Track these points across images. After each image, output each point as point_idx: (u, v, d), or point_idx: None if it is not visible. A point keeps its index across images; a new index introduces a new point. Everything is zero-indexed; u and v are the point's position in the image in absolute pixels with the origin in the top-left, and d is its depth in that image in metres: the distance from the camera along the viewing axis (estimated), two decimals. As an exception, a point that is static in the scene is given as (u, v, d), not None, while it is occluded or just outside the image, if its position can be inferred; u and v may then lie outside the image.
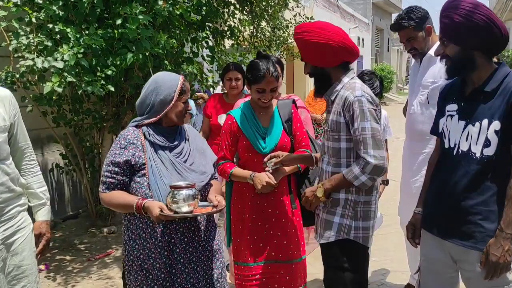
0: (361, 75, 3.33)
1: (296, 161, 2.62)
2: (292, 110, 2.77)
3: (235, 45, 5.77)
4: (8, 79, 3.91)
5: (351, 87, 2.18)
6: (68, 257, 4.40)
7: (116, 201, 2.08)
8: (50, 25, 3.76)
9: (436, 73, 2.90)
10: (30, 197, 2.20)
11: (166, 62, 4.59)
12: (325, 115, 4.29)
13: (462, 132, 1.94)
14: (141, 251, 2.10)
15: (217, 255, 2.25)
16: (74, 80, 3.67)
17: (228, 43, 5.85)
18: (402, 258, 3.83)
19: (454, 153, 1.97)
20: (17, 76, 3.79)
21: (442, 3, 1.94)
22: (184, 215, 1.95)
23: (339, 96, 2.21)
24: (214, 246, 2.24)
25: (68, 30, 3.70)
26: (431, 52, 2.91)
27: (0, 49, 3.98)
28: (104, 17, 4.17)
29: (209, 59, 5.19)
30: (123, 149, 2.08)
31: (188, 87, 2.18)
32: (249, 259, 2.67)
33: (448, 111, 2.05)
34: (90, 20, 4.00)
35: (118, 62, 4.00)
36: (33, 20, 3.75)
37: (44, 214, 2.24)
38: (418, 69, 3.05)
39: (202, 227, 2.18)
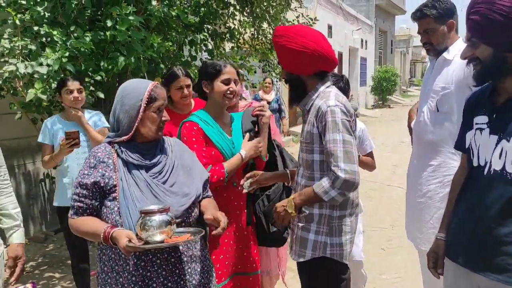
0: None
1: (272, 179, 2.49)
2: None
3: (235, 48, 5.52)
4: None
5: (325, 96, 2.08)
6: (57, 275, 4.14)
7: (83, 228, 1.79)
8: (36, 28, 3.51)
9: (448, 78, 2.61)
10: (3, 218, 2.12)
11: (162, 66, 4.36)
12: None
13: (495, 148, 1.67)
14: (113, 286, 1.82)
15: None
16: (60, 86, 3.42)
17: (228, 45, 5.60)
18: (415, 276, 3.54)
19: (485, 172, 1.70)
20: (0, 82, 3.53)
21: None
22: (155, 246, 1.65)
23: (314, 105, 2.10)
24: (202, 280, 1.92)
25: (55, 32, 3.45)
26: (446, 54, 2.62)
27: None
28: (96, 19, 3.93)
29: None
30: (92, 169, 1.80)
31: (161, 93, 1.88)
32: (222, 278, 2.44)
33: (476, 123, 1.78)
34: (79, 23, 3.75)
35: (110, 67, 3.75)
36: (17, 22, 3.50)
37: (19, 237, 2.16)
38: (431, 71, 2.76)
39: (185, 258, 1.87)
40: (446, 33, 2.61)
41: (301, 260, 2.18)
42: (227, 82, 2.40)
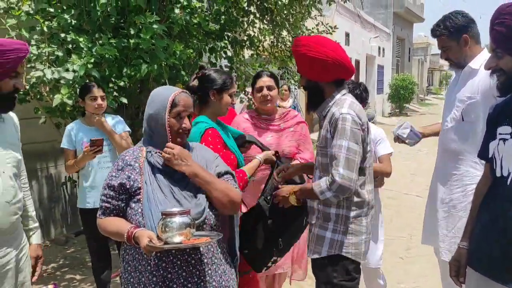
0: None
1: (299, 171, 2.60)
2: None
3: (255, 55, 5.57)
4: (21, 90, 3.77)
5: (340, 103, 2.18)
6: (78, 276, 4.21)
7: (110, 228, 1.87)
8: (62, 35, 3.61)
9: (474, 87, 2.62)
10: (24, 219, 2.18)
11: (183, 73, 4.43)
12: None
13: None
14: (136, 285, 1.87)
15: None
16: (85, 91, 3.50)
17: (247, 53, 5.66)
18: (434, 285, 3.53)
19: (508, 182, 1.71)
20: (27, 87, 3.63)
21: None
22: (173, 246, 1.71)
23: (330, 112, 2.21)
24: (223, 283, 1.94)
25: (81, 39, 3.54)
26: (472, 64, 2.64)
27: None
28: (120, 27, 4.02)
29: (228, 69, 4.99)
30: (120, 171, 1.88)
31: (183, 100, 1.91)
32: None
33: (500, 134, 1.78)
34: (104, 30, 3.84)
35: (133, 73, 3.84)
36: (45, 29, 3.60)
37: (38, 238, 2.25)
38: (456, 81, 2.78)
39: (206, 260, 1.90)
40: (462, 48, 2.64)
41: (316, 256, 2.27)
42: (232, 95, 2.55)
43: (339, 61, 2.19)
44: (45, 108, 4.14)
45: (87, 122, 3.46)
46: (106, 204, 1.88)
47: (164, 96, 1.91)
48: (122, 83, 3.74)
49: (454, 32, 2.62)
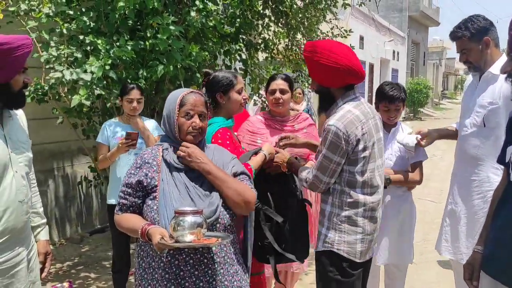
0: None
1: (304, 145, 2.78)
2: None
3: (269, 58, 5.60)
4: (40, 91, 3.86)
5: (336, 112, 2.28)
6: (92, 275, 4.27)
7: (125, 224, 1.93)
8: (81, 37, 3.67)
9: (495, 93, 2.60)
10: (32, 216, 2.17)
11: (198, 75, 4.47)
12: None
13: None
14: (149, 281, 1.91)
15: None
16: (103, 93, 3.57)
17: (262, 56, 5.68)
18: (447, 291, 3.50)
19: None
20: (46, 88, 3.70)
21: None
22: (183, 245, 1.74)
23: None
24: (235, 283, 1.97)
25: (99, 41, 3.60)
26: (493, 69, 2.62)
27: (32, 60, 3.91)
28: (137, 29, 4.08)
29: (242, 72, 5.02)
30: (138, 169, 1.94)
31: (191, 99, 1.96)
32: None
33: None
34: (121, 32, 3.90)
35: (149, 75, 3.89)
36: (64, 31, 3.68)
37: (46, 234, 2.25)
38: (475, 87, 2.75)
39: (218, 259, 1.93)
40: (483, 51, 2.62)
41: (313, 249, 2.46)
42: (241, 91, 2.54)
43: (350, 67, 2.24)
44: (63, 108, 4.22)
45: (124, 120, 3.55)
46: (124, 201, 1.94)
47: (174, 97, 1.99)
48: (141, 85, 3.80)
49: (476, 34, 2.60)
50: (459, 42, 2.67)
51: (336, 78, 2.27)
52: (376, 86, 19.41)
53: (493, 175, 2.57)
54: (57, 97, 4.07)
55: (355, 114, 2.25)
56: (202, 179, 1.96)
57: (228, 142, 2.41)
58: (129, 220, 1.91)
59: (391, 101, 2.92)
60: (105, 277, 4.21)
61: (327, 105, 2.36)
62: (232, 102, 2.53)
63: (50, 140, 5.13)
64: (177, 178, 1.92)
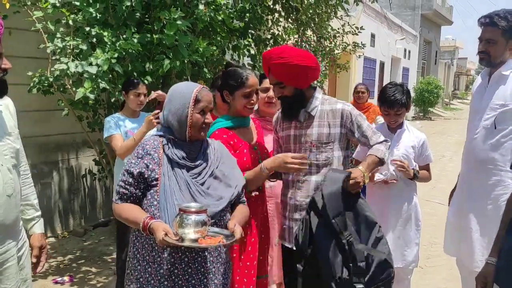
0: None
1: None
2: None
3: (278, 54, 5.50)
4: (45, 82, 3.81)
5: (331, 100, 2.42)
6: (94, 269, 4.23)
7: (125, 214, 1.89)
8: (87, 28, 3.61)
9: (507, 95, 2.51)
10: (25, 208, 2.08)
11: (205, 70, 4.40)
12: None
13: None
14: (142, 273, 1.90)
15: None
16: (108, 86, 3.51)
17: (271, 52, 5.59)
18: (455, 298, 3.41)
19: None
20: (51, 79, 3.65)
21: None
22: (190, 245, 1.72)
23: (323, 110, 2.38)
24: (223, 281, 1.98)
25: (105, 33, 3.54)
26: (503, 70, 2.53)
27: (39, 51, 3.86)
28: (145, 22, 4.01)
29: (250, 68, 4.94)
30: (139, 159, 1.90)
31: (206, 95, 1.96)
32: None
33: None
34: (129, 24, 3.84)
35: (155, 69, 3.83)
36: (70, 22, 3.62)
37: (42, 227, 2.16)
38: (484, 88, 2.65)
39: (211, 258, 1.94)
40: (506, 49, 2.52)
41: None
42: (248, 95, 2.37)
43: (317, 65, 2.38)
44: (68, 100, 4.18)
45: (126, 114, 3.50)
46: (124, 190, 1.90)
47: (187, 91, 1.94)
48: (148, 78, 3.74)
49: (509, 30, 2.50)
50: (490, 29, 2.54)
51: (311, 77, 2.36)
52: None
53: (506, 179, 2.50)
54: (62, 89, 4.04)
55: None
56: (204, 176, 1.95)
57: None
58: (130, 211, 1.88)
59: (391, 106, 2.86)
60: (106, 272, 4.17)
61: (299, 107, 2.38)
62: (236, 104, 2.42)
63: (55, 132, 5.09)
64: (179, 174, 1.90)
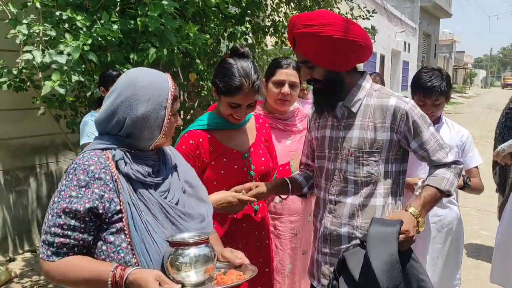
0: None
1: (270, 192, 1.95)
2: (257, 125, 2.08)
3: (279, 44, 5.00)
4: (17, 77, 3.28)
5: (383, 92, 1.74)
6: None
7: (74, 274, 1.28)
8: (58, 13, 3.09)
9: None
10: None
11: (197, 61, 3.90)
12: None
13: None
14: None
15: None
16: (82, 79, 2.99)
17: (270, 41, 5.09)
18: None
19: None
20: (15, 72, 3.13)
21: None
22: None
23: (369, 105, 1.73)
24: None
25: (78, 17, 3.02)
26: None
27: (9, 41, 3.30)
28: (128, 7, 3.50)
29: (256, 65, 4.44)
30: (85, 189, 1.30)
31: (177, 89, 1.44)
32: None
33: None
34: (110, 8, 3.32)
35: (140, 59, 3.31)
36: (37, 5, 3.09)
37: None
38: None
39: None
40: None
41: None
42: (235, 106, 1.84)
43: (369, 40, 1.73)
44: (42, 97, 3.65)
45: None
46: (63, 240, 1.28)
47: (161, 85, 1.38)
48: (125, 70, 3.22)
49: None
50: None
51: (353, 56, 1.72)
52: (386, 78, 18.81)
53: None
54: (34, 84, 3.52)
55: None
56: (174, 194, 1.43)
57: (183, 147, 1.84)
58: (80, 268, 1.28)
59: (428, 94, 2.32)
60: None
61: (336, 98, 1.74)
62: (221, 108, 1.89)
63: (32, 134, 4.57)
64: (147, 197, 1.35)
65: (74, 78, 2.94)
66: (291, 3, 5.02)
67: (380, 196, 1.70)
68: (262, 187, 1.84)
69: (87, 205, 1.28)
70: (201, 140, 1.86)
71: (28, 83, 3.49)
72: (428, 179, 1.69)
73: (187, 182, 1.50)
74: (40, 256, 1.31)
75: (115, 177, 1.32)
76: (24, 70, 3.11)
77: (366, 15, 5.50)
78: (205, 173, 1.86)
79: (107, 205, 1.30)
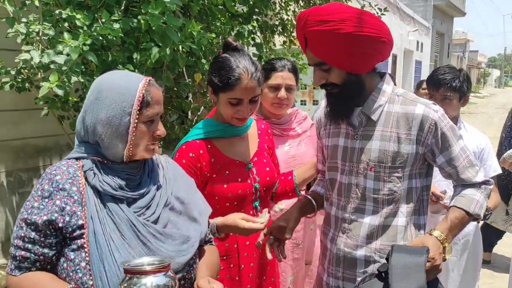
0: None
1: (299, 215, 1.79)
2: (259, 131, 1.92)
3: (287, 43, 4.87)
4: (19, 78, 3.20)
5: (407, 98, 1.57)
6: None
7: None
8: (57, 11, 3.00)
9: None
10: None
11: (203, 60, 3.79)
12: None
13: None
14: None
15: None
16: (82, 80, 2.89)
17: (279, 40, 4.97)
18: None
19: None
20: (13, 72, 3.06)
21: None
22: None
23: (391, 113, 1.55)
24: None
25: (78, 16, 2.92)
26: None
27: (11, 41, 3.22)
28: (132, 6, 3.40)
29: (256, 58, 4.32)
30: (47, 200, 1.23)
31: (157, 95, 1.31)
32: None
33: None
34: (113, 6, 3.22)
35: (144, 59, 3.21)
36: (36, 3, 3.00)
37: None
38: None
39: None
40: None
41: None
42: (236, 103, 1.71)
43: (391, 37, 1.57)
44: (43, 98, 3.58)
45: None
46: (23, 253, 1.22)
47: (126, 88, 1.27)
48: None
49: None
50: None
51: (375, 56, 1.55)
52: (399, 79, 18.57)
53: None
54: (35, 85, 3.44)
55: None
56: (155, 210, 1.30)
57: (183, 161, 1.70)
58: (38, 285, 1.20)
59: (436, 86, 2.21)
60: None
61: (353, 102, 1.58)
62: (221, 109, 1.77)
63: (35, 135, 4.50)
64: (116, 212, 1.24)
65: (74, 78, 2.85)
66: (300, 1, 4.90)
67: (403, 215, 1.54)
68: (292, 222, 1.66)
69: (45, 218, 1.20)
70: (201, 152, 1.73)
71: (28, 83, 3.42)
72: (455, 200, 1.53)
73: (178, 199, 1.37)
74: (6, 269, 1.24)
75: (82, 188, 1.22)
76: (23, 70, 3.03)
77: (377, 13, 5.34)
78: (206, 187, 1.72)
79: (67, 218, 1.21)
